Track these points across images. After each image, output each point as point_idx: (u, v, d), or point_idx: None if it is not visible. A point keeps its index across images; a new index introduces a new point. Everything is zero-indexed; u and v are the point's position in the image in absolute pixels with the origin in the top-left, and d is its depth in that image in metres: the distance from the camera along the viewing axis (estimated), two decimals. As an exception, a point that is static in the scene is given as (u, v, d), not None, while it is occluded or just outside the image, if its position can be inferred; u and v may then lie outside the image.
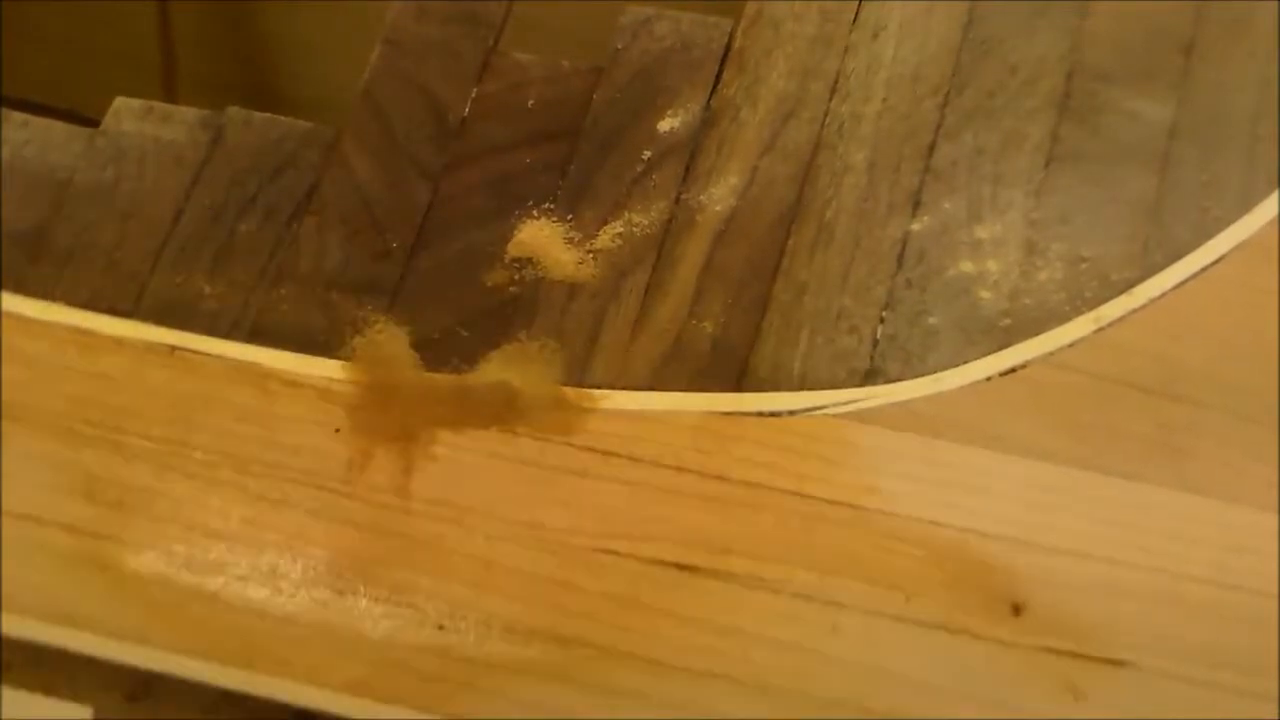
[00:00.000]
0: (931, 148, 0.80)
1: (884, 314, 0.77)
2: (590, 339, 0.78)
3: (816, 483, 0.74)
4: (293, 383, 0.77)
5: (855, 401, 0.75)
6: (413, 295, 0.80)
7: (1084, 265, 0.77)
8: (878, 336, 0.76)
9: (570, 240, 0.80)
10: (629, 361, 0.77)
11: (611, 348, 0.77)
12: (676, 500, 0.74)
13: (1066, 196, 0.78)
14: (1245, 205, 0.77)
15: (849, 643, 0.72)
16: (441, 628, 0.74)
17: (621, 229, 0.80)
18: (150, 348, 0.78)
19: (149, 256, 0.81)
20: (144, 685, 0.77)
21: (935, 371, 0.75)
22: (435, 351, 0.78)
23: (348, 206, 0.82)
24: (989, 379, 0.75)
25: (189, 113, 0.86)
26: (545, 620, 0.73)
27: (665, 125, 0.83)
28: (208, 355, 0.78)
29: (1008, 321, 0.76)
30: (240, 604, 0.75)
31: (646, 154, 0.82)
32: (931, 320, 0.76)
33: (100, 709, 0.77)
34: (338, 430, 0.75)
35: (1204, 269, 0.76)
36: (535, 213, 0.81)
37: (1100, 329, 0.75)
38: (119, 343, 0.78)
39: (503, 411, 0.76)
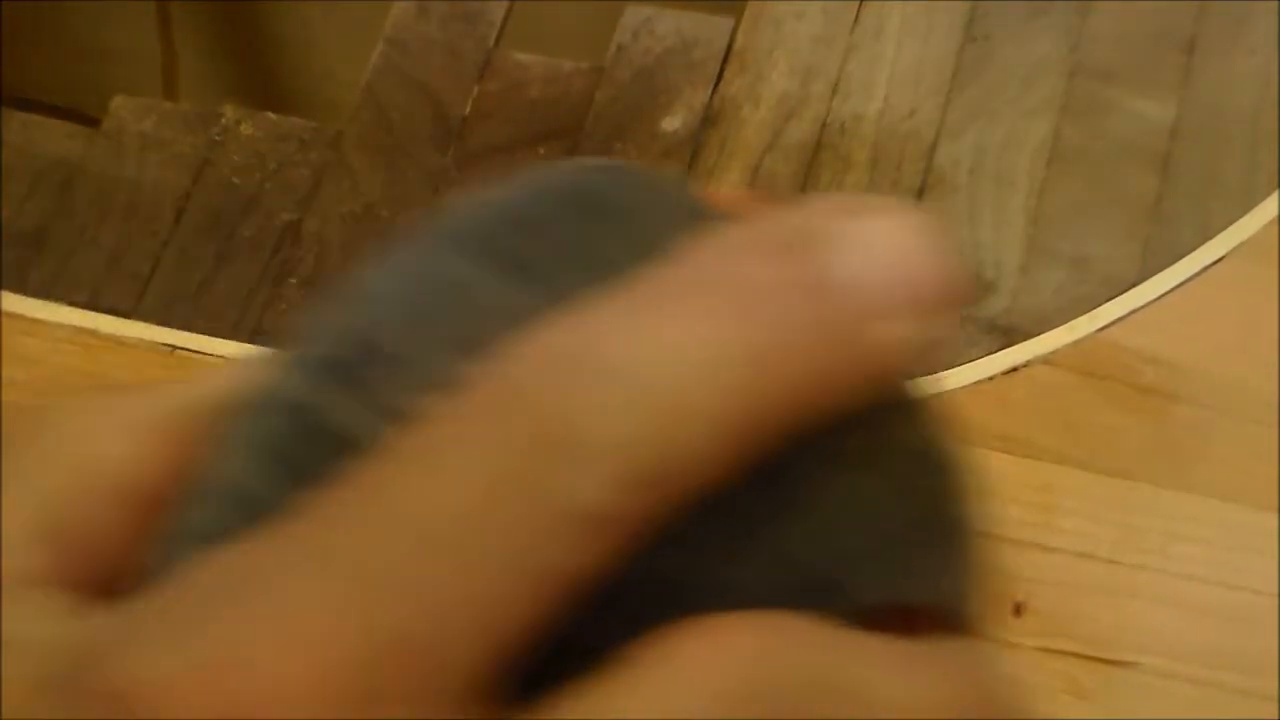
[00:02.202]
0: (933, 147, 0.80)
1: (885, 314, 0.77)
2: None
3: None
4: (294, 382, 0.77)
5: (856, 401, 0.75)
6: (414, 294, 0.80)
7: (1084, 265, 0.77)
8: (879, 336, 0.76)
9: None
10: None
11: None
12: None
13: (1067, 196, 0.78)
14: (1245, 205, 0.77)
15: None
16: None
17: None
18: (151, 347, 0.78)
19: (150, 256, 0.81)
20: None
21: (936, 371, 0.75)
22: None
23: (348, 206, 0.82)
24: (990, 378, 0.75)
25: (190, 112, 0.86)
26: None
27: (667, 124, 0.83)
28: (208, 355, 0.78)
29: (1008, 321, 0.76)
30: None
31: (648, 153, 0.82)
32: (932, 320, 0.76)
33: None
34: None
35: (1204, 269, 0.76)
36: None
37: (1100, 329, 0.75)
38: (119, 342, 0.78)
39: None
